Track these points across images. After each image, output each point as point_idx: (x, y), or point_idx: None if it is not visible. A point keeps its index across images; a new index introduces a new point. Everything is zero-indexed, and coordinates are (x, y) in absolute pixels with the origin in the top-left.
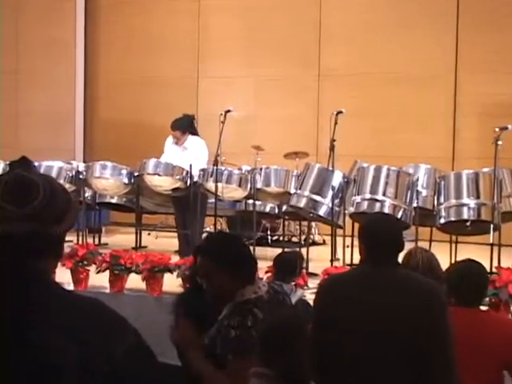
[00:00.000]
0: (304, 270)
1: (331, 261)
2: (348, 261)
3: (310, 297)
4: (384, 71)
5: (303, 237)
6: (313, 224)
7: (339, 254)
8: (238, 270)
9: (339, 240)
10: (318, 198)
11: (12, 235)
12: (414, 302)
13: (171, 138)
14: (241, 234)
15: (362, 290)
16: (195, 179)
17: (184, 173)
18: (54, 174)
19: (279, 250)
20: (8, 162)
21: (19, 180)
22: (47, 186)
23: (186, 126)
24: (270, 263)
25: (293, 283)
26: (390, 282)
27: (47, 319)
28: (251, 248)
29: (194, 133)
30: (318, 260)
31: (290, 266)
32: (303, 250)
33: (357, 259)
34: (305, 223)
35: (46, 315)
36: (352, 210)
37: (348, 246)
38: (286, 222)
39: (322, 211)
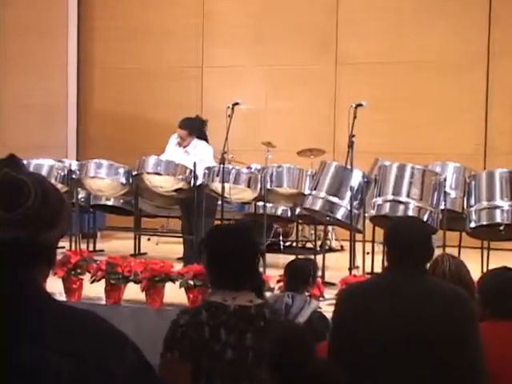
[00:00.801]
0: (319, 279)
1: (350, 269)
2: (368, 269)
3: (326, 308)
4: (407, 59)
5: (319, 242)
6: (329, 228)
7: (358, 262)
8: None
9: (358, 246)
10: (335, 199)
11: (0, 242)
12: (440, 311)
13: (174, 138)
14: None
15: (384, 299)
16: (200, 179)
17: (187, 172)
18: (44, 173)
19: (292, 257)
20: None
21: (7, 181)
22: (38, 186)
23: (195, 127)
24: (282, 271)
25: (307, 294)
26: (416, 291)
27: (39, 334)
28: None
29: (202, 137)
30: (336, 268)
31: (302, 275)
32: (319, 257)
33: (378, 267)
34: (321, 227)
35: (38, 329)
36: (372, 212)
37: (368, 253)
38: (300, 227)
39: (339, 214)
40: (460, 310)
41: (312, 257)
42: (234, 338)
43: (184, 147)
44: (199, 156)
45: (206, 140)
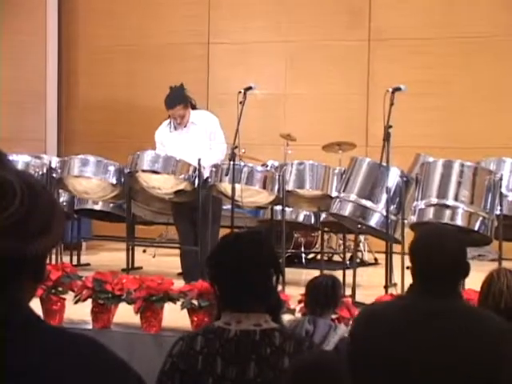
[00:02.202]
0: (349, 299)
1: (386, 287)
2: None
3: None
4: (457, 35)
5: (348, 255)
6: (361, 238)
7: (396, 279)
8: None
9: (396, 259)
10: (367, 203)
11: None
12: (477, 346)
13: (164, 127)
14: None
15: (407, 325)
16: (206, 178)
17: (191, 170)
18: None
19: (316, 273)
20: None
21: None
22: (25, 187)
23: (185, 96)
24: (304, 289)
25: (333, 316)
26: (446, 318)
27: (27, 364)
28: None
29: (194, 105)
30: (369, 286)
31: (325, 295)
32: (349, 273)
33: None
34: (350, 237)
35: (26, 359)
36: (413, 219)
37: (408, 268)
38: (326, 236)
39: (373, 221)
40: (501, 347)
41: (339, 272)
42: (233, 369)
43: (186, 124)
44: (210, 127)
45: (195, 107)
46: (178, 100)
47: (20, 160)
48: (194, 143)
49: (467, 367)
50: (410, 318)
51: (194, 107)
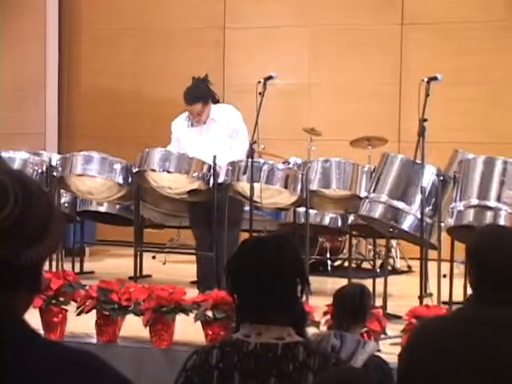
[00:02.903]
0: (380, 311)
1: (420, 297)
2: (445, 297)
3: (389, 350)
4: (499, 17)
5: (379, 262)
6: (393, 243)
7: (432, 288)
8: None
9: (432, 267)
10: (400, 204)
11: None
12: None
13: (182, 120)
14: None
15: (468, 340)
16: (222, 177)
17: (205, 168)
18: None
19: (344, 282)
20: None
21: None
22: (20, 188)
23: (205, 92)
24: (331, 300)
25: (363, 329)
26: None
27: (19, 383)
28: None
29: (215, 99)
30: (401, 296)
31: (352, 307)
32: (379, 281)
33: (458, 295)
34: (381, 242)
35: (18, 377)
36: (451, 222)
37: (445, 276)
38: (354, 241)
39: (406, 224)
40: None
41: (369, 281)
42: None
43: (205, 121)
44: (232, 124)
45: (219, 101)
46: (198, 96)
47: (17, 157)
48: (214, 142)
49: None
50: (467, 331)
51: (216, 102)
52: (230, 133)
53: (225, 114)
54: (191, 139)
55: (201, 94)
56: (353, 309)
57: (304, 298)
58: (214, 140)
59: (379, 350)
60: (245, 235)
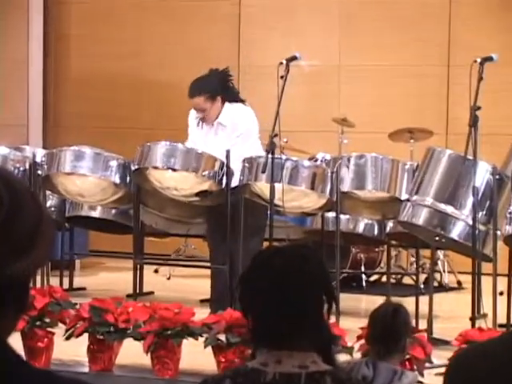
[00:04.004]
0: (424, 335)
1: (473, 319)
2: (502, 318)
3: (434, 382)
4: None
5: (423, 276)
6: (440, 255)
7: (487, 307)
8: None
9: (487, 282)
10: (448, 208)
11: None
12: None
13: (194, 114)
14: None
15: None
16: (236, 175)
17: (217, 165)
18: None
19: (381, 300)
20: None
21: None
22: (5, 191)
23: (215, 85)
24: (366, 321)
25: (405, 355)
26: None
27: None
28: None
29: (233, 98)
30: (450, 317)
31: (388, 331)
32: (423, 300)
33: None
34: (426, 253)
35: None
36: (509, 229)
37: (502, 293)
38: (393, 251)
39: (455, 232)
40: None
41: (411, 299)
42: None
43: (212, 122)
44: (239, 129)
45: (241, 101)
46: (203, 89)
47: None
48: (222, 150)
49: None
50: None
51: (234, 100)
52: (238, 138)
53: (236, 119)
54: (198, 139)
55: (207, 87)
56: (383, 333)
57: (332, 319)
58: (221, 147)
59: (420, 382)
60: (264, 244)
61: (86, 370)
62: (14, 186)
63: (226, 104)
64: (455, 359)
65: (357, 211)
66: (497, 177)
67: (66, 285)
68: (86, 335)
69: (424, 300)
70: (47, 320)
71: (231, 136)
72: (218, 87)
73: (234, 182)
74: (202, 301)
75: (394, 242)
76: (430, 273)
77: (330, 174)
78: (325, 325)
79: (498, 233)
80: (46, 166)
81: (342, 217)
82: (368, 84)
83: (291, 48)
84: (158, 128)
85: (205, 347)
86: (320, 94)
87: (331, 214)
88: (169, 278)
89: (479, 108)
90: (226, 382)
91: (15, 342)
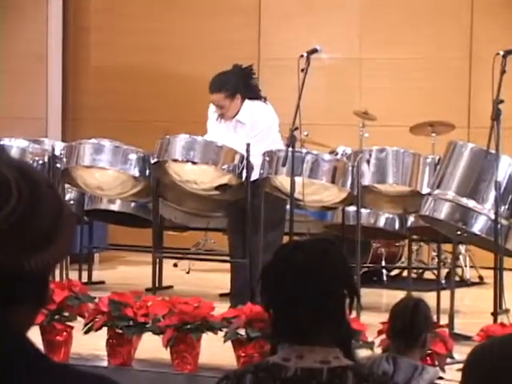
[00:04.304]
0: (446, 330)
1: (495, 314)
2: None
3: (455, 377)
4: None
5: (444, 271)
6: (461, 249)
7: (509, 303)
8: None
9: (509, 277)
10: (470, 202)
11: None
12: None
13: (215, 111)
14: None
15: None
16: (256, 170)
17: (237, 159)
18: None
19: (402, 295)
20: None
21: None
22: (24, 183)
23: (236, 82)
24: (387, 316)
25: (427, 353)
26: None
27: None
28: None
29: (254, 96)
30: (472, 312)
31: (408, 326)
32: (445, 294)
33: None
34: (448, 247)
35: None
36: None
37: None
38: (415, 246)
39: (477, 226)
40: None
41: (432, 294)
42: None
43: (231, 119)
44: (259, 127)
45: (262, 98)
46: (223, 86)
47: (14, 145)
48: (240, 148)
49: None
50: None
51: (254, 98)
52: (256, 139)
53: (255, 117)
54: (217, 134)
55: (227, 84)
56: (403, 327)
57: (353, 314)
58: (240, 144)
59: (441, 378)
60: (284, 239)
61: (105, 364)
62: (33, 178)
63: (246, 101)
64: (473, 354)
65: (378, 205)
66: None
67: (84, 278)
68: (104, 329)
69: (445, 295)
70: (66, 314)
71: (250, 134)
72: (239, 85)
73: (254, 176)
74: (222, 295)
75: (415, 237)
76: (451, 267)
77: (350, 168)
78: (345, 320)
79: None
80: (65, 159)
81: (363, 211)
82: (389, 77)
83: (312, 41)
84: (176, 121)
85: (224, 342)
86: (341, 87)
87: (352, 208)
88: (188, 272)
89: (502, 101)
90: (248, 377)
91: (34, 335)
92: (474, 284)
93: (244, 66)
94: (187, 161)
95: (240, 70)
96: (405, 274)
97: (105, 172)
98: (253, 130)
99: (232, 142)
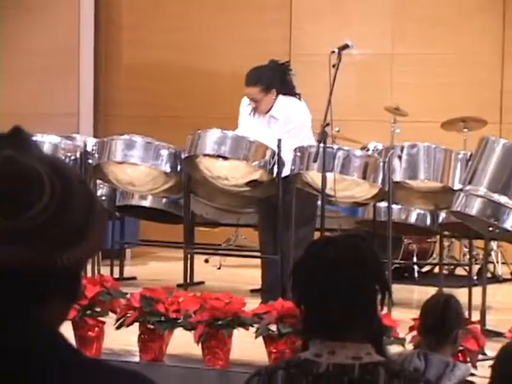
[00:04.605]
0: (478, 326)
1: None
2: None
3: (487, 373)
4: None
5: (476, 267)
6: (493, 245)
7: None
8: None
9: None
10: (502, 198)
11: None
12: None
13: (247, 100)
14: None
15: None
16: (287, 166)
17: (268, 154)
18: None
19: (433, 291)
20: None
21: (9, 169)
22: (57, 179)
23: (272, 77)
24: (418, 312)
25: (458, 349)
26: None
27: None
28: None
29: (289, 92)
30: (504, 308)
31: (439, 322)
32: (476, 291)
33: None
34: (479, 243)
35: None
36: None
37: None
38: (446, 242)
39: (509, 223)
40: None
41: (463, 290)
42: None
43: (264, 114)
44: (292, 123)
45: (297, 95)
46: (259, 80)
47: (46, 141)
48: (273, 143)
49: None
50: None
51: (288, 94)
52: (289, 135)
53: (288, 113)
54: (250, 127)
55: (263, 78)
56: (434, 324)
57: (385, 310)
58: (272, 139)
59: (473, 374)
60: (316, 234)
61: (137, 359)
62: (65, 174)
63: (280, 97)
64: (503, 351)
65: (409, 201)
66: None
67: (116, 274)
68: (136, 325)
69: (477, 291)
70: (98, 309)
71: (283, 130)
72: (275, 80)
73: (285, 172)
74: (253, 291)
75: (446, 233)
76: (483, 264)
77: (381, 164)
78: (377, 315)
79: None
80: (96, 155)
81: (394, 207)
82: (420, 72)
83: (343, 36)
84: (207, 117)
85: (256, 337)
86: (372, 83)
87: (383, 204)
88: (219, 268)
89: None
90: (279, 373)
91: (66, 331)
92: (505, 280)
93: (281, 62)
94: (218, 155)
95: (277, 66)
96: (436, 270)
97: (136, 168)
98: (286, 126)
99: (265, 138)
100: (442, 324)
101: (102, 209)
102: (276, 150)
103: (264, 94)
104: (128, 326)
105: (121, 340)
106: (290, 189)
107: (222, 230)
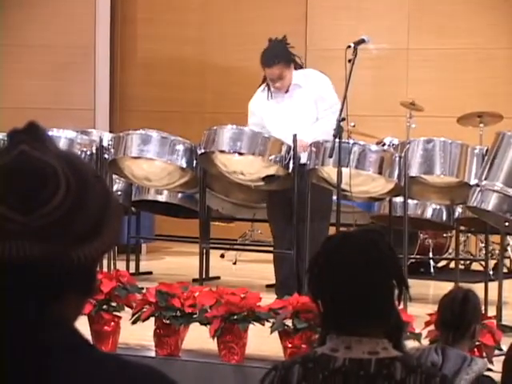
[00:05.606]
0: (493, 321)
1: None
2: None
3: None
4: None
5: (492, 262)
6: (509, 240)
7: None
8: None
9: None
10: None
11: (12, 261)
12: None
13: (260, 94)
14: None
15: None
16: (304, 160)
17: (284, 149)
18: None
19: (449, 286)
20: (7, 133)
21: (25, 165)
22: (72, 174)
23: (287, 53)
24: (434, 307)
25: (475, 344)
26: None
27: None
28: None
29: (299, 65)
30: None
31: (457, 317)
32: (492, 286)
33: None
34: (495, 238)
35: None
36: None
37: None
38: (462, 237)
39: None
40: None
41: (480, 285)
42: None
43: (284, 90)
44: (319, 91)
45: (302, 65)
46: (279, 57)
47: (62, 136)
48: (298, 111)
49: None
50: None
51: (299, 67)
52: (317, 100)
53: (311, 79)
54: (272, 112)
55: (282, 54)
56: (452, 318)
57: (401, 305)
58: (299, 108)
59: (490, 369)
60: (331, 230)
61: (153, 354)
62: (80, 169)
63: (294, 70)
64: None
65: (425, 196)
66: None
67: (132, 269)
68: (152, 319)
69: (493, 286)
70: (114, 304)
71: (309, 97)
72: (288, 54)
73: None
74: (268, 286)
75: (462, 228)
76: (499, 259)
77: (397, 159)
78: (395, 311)
79: None
80: (112, 150)
81: (410, 202)
82: (436, 67)
83: (359, 31)
84: (223, 112)
85: (271, 332)
86: (388, 78)
87: (399, 199)
88: (235, 263)
89: None
90: (296, 368)
91: (82, 325)
92: None
93: (279, 38)
94: (234, 152)
95: (279, 42)
96: (452, 265)
97: (152, 163)
98: (310, 93)
99: (289, 112)
100: (460, 319)
101: (117, 204)
102: (291, 145)
103: (287, 68)
104: (144, 320)
105: (136, 335)
106: (306, 183)
107: (237, 225)
